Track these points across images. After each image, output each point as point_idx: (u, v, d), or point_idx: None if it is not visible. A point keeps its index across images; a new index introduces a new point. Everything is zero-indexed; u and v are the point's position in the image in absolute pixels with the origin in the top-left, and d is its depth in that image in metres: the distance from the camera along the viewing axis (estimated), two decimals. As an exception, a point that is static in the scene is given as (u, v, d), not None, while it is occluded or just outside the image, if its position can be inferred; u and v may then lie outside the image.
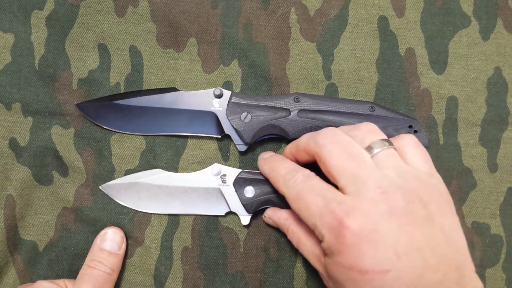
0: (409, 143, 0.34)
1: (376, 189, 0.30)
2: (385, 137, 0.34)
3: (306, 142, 0.35)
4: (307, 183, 0.33)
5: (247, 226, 0.42)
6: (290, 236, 0.38)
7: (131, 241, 0.42)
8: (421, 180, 0.31)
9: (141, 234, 0.42)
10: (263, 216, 0.42)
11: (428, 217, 0.30)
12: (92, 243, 0.40)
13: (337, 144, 0.32)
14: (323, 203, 0.31)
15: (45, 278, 0.41)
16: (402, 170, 0.32)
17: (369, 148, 0.33)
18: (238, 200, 0.41)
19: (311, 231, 0.36)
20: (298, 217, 0.37)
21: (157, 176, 0.41)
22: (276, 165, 0.37)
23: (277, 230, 0.42)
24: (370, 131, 0.34)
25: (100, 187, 0.42)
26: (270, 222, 0.41)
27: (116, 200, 0.42)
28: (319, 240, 0.34)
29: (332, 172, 0.32)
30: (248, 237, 0.42)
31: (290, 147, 0.38)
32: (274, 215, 0.40)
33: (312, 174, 0.34)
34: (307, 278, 0.41)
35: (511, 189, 0.43)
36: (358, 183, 0.30)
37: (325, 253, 0.32)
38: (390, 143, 0.33)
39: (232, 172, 0.41)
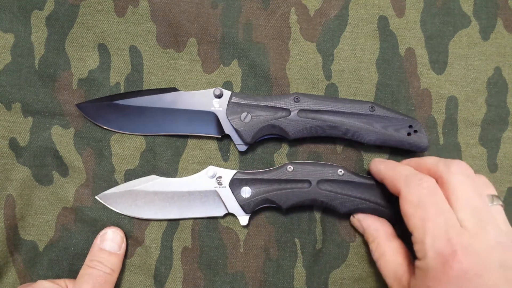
0: None
1: (494, 238, 0.31)
2: (496, 193, 0.35)
3: (435, 164, 0.35)
4: (433, 195, 0.33)
5: (246, 226, 0.42)
6: (373, 248, 0.39)
7: (131, 241, 0.42)
8: None
9: (141, 234, 0.42)
10: (351, 216, 0.41)
11: None
12: (92, 243, 0.40)
13: (469, 179, 0.34)
14: (443, 226, 0.31)
15: (45, 278, 0.41)
16: (510, 230, 0.33)
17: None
18: (235, 201, 0.40)
19: (399, 249, 0.37)
20: (388, 232, 0.39)
21: (152, 183, 0.41)
22: (397, 166, 0.37)
23: (277, 230, 0.42)
24: (486, 185, 0.36)
25: (96, 197, 0.42)
26: (357, 224, 0.41)
27: (114, 209, 0.41)
28: (406, 261, 0.35)
29: (456, 201, 0.32)
30: (248, 237, 0.42)
31: (408, 162, 0.38)
32: (364, 220, 0.40)
33: (437, 185, 0.34)
34: (307, 278, 0.41)
35: (511, 189, 0.43)
36: (480, 224, 0.31)
37: (414, 272, 0.33)
38: (501, 200, 0.35)
39: (228, 174, 0.41)
